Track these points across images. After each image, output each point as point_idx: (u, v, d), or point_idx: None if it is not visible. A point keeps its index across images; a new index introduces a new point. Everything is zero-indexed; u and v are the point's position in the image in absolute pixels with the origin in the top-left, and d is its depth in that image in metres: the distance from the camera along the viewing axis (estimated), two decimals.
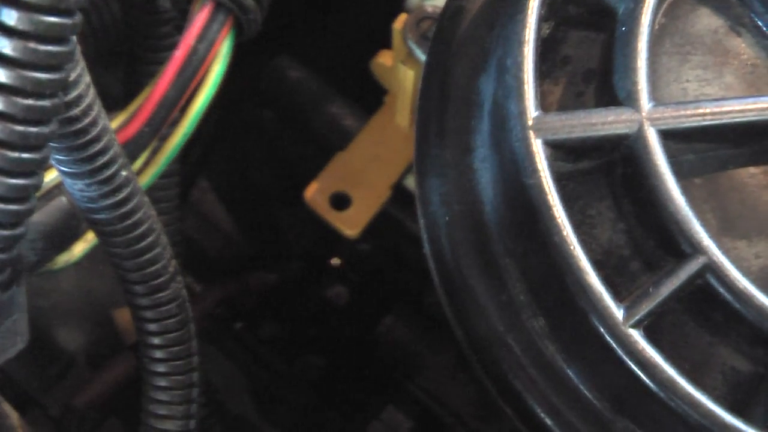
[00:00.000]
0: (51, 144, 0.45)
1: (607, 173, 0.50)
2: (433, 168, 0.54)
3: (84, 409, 0.77)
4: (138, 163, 0.59)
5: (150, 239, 0.54)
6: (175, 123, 0.60)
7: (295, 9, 0.85)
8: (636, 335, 0.46)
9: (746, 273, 0.46)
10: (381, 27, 0.74)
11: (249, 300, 0.93)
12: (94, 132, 0.47)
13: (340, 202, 0.82)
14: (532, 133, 0.48)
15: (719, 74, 0.52)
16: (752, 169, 0.50)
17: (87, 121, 0.47)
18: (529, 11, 0.51)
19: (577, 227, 0.48)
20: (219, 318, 0.91)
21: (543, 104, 0.50)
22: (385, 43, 0.74)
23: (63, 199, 0.56)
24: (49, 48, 0.40)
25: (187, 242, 0.87)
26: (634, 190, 0.48)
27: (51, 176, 0.56)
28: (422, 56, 0.68)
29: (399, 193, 0.82)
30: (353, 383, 0.91)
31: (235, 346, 0.90)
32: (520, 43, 0.50)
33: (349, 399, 0.89)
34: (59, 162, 0.48)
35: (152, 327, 0.57)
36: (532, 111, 0.49)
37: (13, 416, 0.59)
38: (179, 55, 0.58)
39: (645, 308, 0.46)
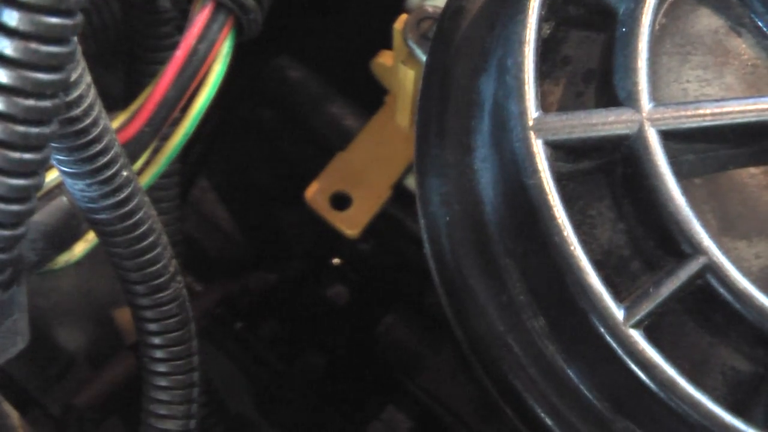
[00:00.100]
0: (52, 144, 0.45)
1: (608, 173, 0.50)
2: (434, 168, 0.54)
3: (84, 409, 0.77)
4: (139, 163, 0.59)
5: (150, 239, 0.54)
6: (176, 123, 0.60)
7: (296, 9, 0.85)
8: (636, 335, 0.46)
9: (746, 273, 0.47)
10: (381, 27, 0.74)
11: (249, 300, 0.93)
12: (95, 132, 0.47)
13: (341, 202, 0.82)
14: (532, 134, 0.48)
15: (719, 74, 0.52)
16: (752, 170, 0.50)
17: (88, 121, 0.47)
18: (530, 11, 0.51)
19: (578, 227, 0.48)
20: (219, 318, 0.91)
21: (543, 104, 0.50)
22: (385, 43, 0.74)
23: (64, 199, 0.56)
24: (50, 48, 0.40)
25: (188, 242, 0.87)
26: (635, 191, 0.48)
27: (52, 176, 0.56)
28: (422, 56, 0.68)
29: (399, 193, 0.82)
30: (353, 383, 0.91)
31: (235, 346, 0.90)
32: (521, 44, 0.50)
33: (349, 399, 0.89)
34: (60, 162, 0.48)
35: (152, 327, 0.57)
36: (532, 111, 0.49)
37: (14, 416, 0.59)
38: (180, 55, 0.58)
39: (645, 308, 0.46)
